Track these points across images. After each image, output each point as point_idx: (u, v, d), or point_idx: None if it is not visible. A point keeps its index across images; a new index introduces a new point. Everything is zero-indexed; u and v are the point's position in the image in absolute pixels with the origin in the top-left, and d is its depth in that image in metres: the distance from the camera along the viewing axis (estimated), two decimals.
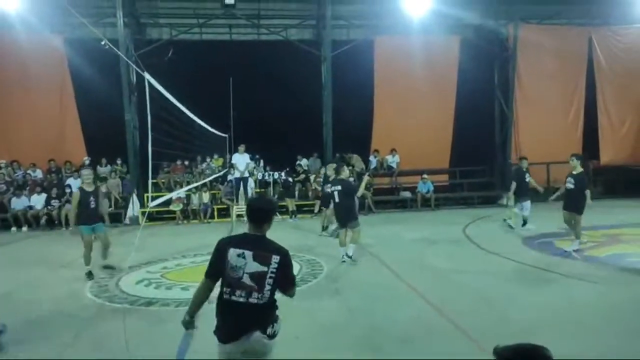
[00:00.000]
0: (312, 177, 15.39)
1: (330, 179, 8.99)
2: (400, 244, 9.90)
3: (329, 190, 8.45)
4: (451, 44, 16.11)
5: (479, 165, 17.11)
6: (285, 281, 3.01)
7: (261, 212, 3.06)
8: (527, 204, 10.57)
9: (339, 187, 7.93)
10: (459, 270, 7.53)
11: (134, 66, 11.91)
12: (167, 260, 8.81)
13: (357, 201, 8.54)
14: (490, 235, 10.45)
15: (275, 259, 2.93)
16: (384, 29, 15.71)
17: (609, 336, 4.77)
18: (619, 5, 15.78)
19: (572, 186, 8.42)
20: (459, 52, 16.11)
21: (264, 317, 2.95)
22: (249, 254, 2.92)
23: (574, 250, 8.24)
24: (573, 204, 8.39)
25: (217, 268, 2.97)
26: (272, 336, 2.97)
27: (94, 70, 13.87)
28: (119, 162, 15.52)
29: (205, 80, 15.36)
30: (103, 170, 15.08)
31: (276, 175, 15.80)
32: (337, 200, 7.96)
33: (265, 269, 2.91)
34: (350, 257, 7.93)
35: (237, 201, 13.55)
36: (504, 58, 16.30)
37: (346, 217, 8.01)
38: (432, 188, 15.31)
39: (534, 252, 8.54)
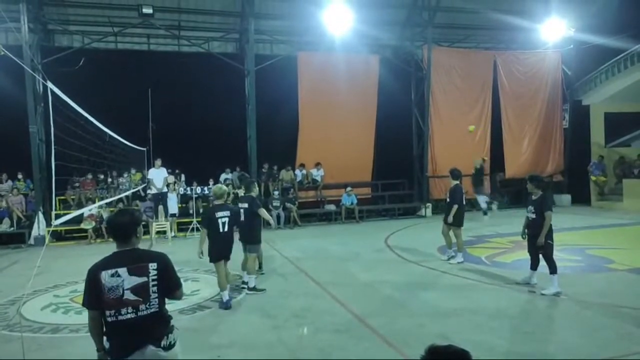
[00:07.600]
0: (239, 192, 15.05)
1: (240, 196, 8.19)
2: (325, 257, 10.01)
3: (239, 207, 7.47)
4: (371, 62, 16.77)
5: (399, 178, 17.85)
6: (169, 285, 2.97)
7: (123, 227, 2.98)
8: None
9: (246, 205, 7.25)
10: (381, 279, 7.75)
11: (36, 75, 11.04)
12: (77, 283, 8.17)
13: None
14: (410, 244, 10.90)
15: (153, 266, 2.90)
16: (307, 45, 16.01)
17: (509, 337, 5.16)
18: (521, 31, 17.44)
19: (449, 200, 8.90)
20: (379, 70, 16.80)
21: (156, 328, 2.88)
22: (122, 270, 2.85)
23: (458, 262, 8.56)
24: (450, 217, 8.76)
25: (94, 296, 2.86)
26: (167, 347, 2.87)
27: None
28: (20, 177, 14.27)
29: (122, 91, 14.64)
30: (2, 186, 13.75)
31: (199, 190, 15.32)
32: (242, 218, 7.21)
33: (145, 278, 2.87)
34: (254, 289, 7.17)
35: (156, 217, 12.97)
36: (420, 77, 17.25)
37: (248, 236, 7.32)
38: (355, 201, 15.70)
39: (448, 259, 8.99)
